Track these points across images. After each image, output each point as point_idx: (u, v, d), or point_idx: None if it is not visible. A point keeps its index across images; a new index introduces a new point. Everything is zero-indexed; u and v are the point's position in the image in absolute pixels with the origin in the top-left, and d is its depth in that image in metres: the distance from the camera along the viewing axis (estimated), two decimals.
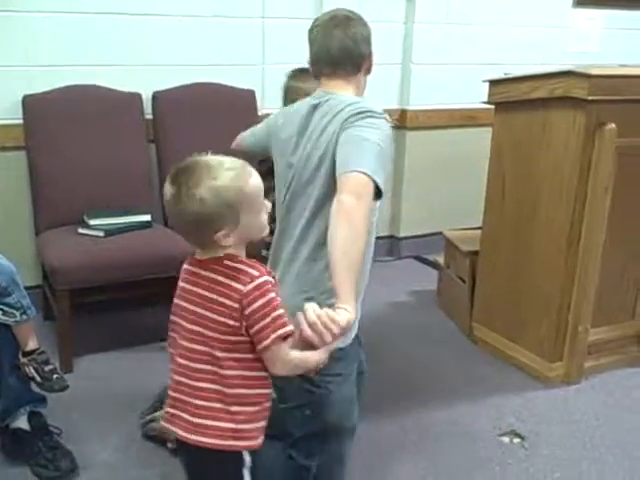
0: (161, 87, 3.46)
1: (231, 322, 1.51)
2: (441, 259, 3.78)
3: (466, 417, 2.75)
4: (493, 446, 2.58)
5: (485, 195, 3.26)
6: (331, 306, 1.68)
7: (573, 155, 2.80)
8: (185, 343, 1.58)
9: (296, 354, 1.56)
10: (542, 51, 4.39)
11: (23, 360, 2.33)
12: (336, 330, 1.57)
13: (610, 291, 3.02)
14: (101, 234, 3.01)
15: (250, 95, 3.67)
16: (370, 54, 2.11)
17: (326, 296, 1.88)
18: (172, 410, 1.61)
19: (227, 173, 1.49)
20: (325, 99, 2.04)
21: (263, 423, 1.60)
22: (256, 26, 3.69)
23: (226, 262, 1.54)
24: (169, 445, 2.32)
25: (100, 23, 3.30)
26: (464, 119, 4.27)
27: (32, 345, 2.35)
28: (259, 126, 2.36)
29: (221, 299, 1.53)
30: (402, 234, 4.39)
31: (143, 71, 3.45)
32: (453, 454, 2.53)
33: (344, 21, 2.07)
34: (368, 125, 1.91)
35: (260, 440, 1.61)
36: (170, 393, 1.63)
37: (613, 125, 2.73)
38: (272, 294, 1.52)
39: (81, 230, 3.06)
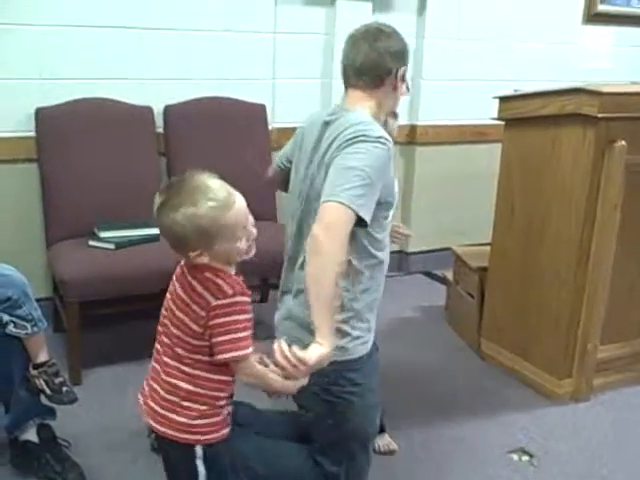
0: (173, 101, 3.48)
1: (195, 327, 1.60)
2: (450, 275, 3.78)
3: (474, 434, 2.74)
4: (501, 463, 2.57)
5: (494, 211, 3.27)
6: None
7: (583, 172, 2.80)
8: (163, 331, 1.69)
9: (260, 372, 1.66)
10: (552, 68, 4.40)
11: (33, 372, 2.33)
12: (304, 369, 1.68)
13: (619, 308, 3.01)
14: (112, 247, 3.02)
15: (261, 109, 3.69)
16: (398, 71, 2.08)
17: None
18: (147, 387, 1.74)
19: (208, 202, 1.55)
20: (336, 117, 2.05)
21: (217, 419, 1.69)
22: (267, 41, 3.72)
23: (206, 273, 1.61)
24: None
25: (112, 37, 3.33)
26: (474, 135, 4.28)
27: (43, 357, 2.35)
28: (289, 142, 2.36)
29: (192, 304, 1.61)
30: (411, 249, 4.39)
31: (155, 85, 3.47)
32: (461, 471, 2.52)
33: (374, 33, 2.07)
34: (355, 151, 1.90)
35: (218, 434, 1.69)
36: (150, 369, 1.74)
37: (623, 142, 2.73)
38: (241, 315, 1.59)
39: (92, 243, 3.06)
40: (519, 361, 3.16)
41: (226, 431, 1.72)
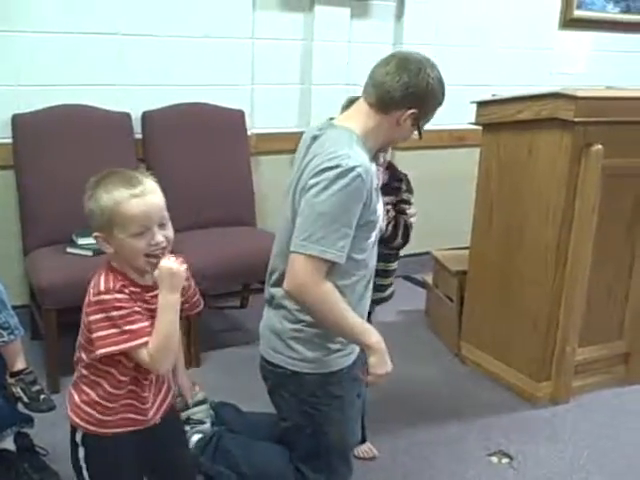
0: (151, 107, 3.47)
1: (85, 319, 1.64)
2: (429, 279, 3.79)
3: (454, 437, 2.75)
4: (482, 466, 2.58)
5: (473, 215, 3.28)
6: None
7: (560, 176, 2.82)
8: None
9: (152, 349, 1.61)
10: (529, 72, 4.43)
11: (10, 380, 2.30)
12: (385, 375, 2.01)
13: (597, 311, 3.04)
14: (89, 253, 2.99)
15: (239, 115, 3.68)
16: (407, 110, 1.98)
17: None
18: None
19: (120, 188, 1.60)
20: (322, 133, 2.02)
21: (102, 417, 1.70)
22: (246, 47, 3.71)
23: (102, 269, 1.65)
24: None
25: (90, 43, 3.31)
26: (453, 140, 4.30)
27: (20, 365, 2.32)
28: None
29: (86, 297, 1.65)
30: None
31: (133, 91, 3.46)
32: (441, 475, 2.53)
33: (410, 64, 1.97)
34: (324, 191, 1.86)
35: (97, 429, 1.70)
36: None
37: (599, 146, 2.75)
38: (115, 312, 1.59)
39: (70, 249, 3.04)
40: (498, 364, 3.17)
41: (112, 431, 1.72)
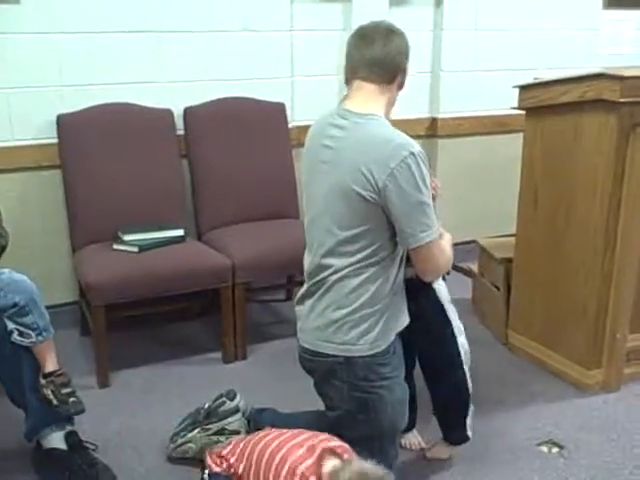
0: (192, 103, 3.49)
1: None
2: (475, 267, 3.76)
3: (503, 426, 2.72)
4: (531, 456, 2.54)
5: (518, 201, 3.23)
6: None
7: (607, 158, 2.76)
8: None
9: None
10: (572, 54, 4.35)
11: (42, 382, 2.31)
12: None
13: None
14: (135, 249, 3.04)
15: (280, 108, 3.69)
16: (405, 69, 2.13)
17: None
18: None
19: None
20: (350, 123, 2.03)
21: None
22: (284, 39, 3.71)
23: None
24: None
25: (129, 41, 3.35)
26: (495, 125, 4.25)
27: (51, 367, 2.32)
28: None
29: None
30: None
31: (173, 87, 3.49)
32: (491, 464, 2.50)
33: (387, 31, 2.10)
34: (414, 179, 1.94)
35: None
36: None
37: None
38: None
39: (116, 246, 3.09)
40: (547, 352, 3.13)
41: None
